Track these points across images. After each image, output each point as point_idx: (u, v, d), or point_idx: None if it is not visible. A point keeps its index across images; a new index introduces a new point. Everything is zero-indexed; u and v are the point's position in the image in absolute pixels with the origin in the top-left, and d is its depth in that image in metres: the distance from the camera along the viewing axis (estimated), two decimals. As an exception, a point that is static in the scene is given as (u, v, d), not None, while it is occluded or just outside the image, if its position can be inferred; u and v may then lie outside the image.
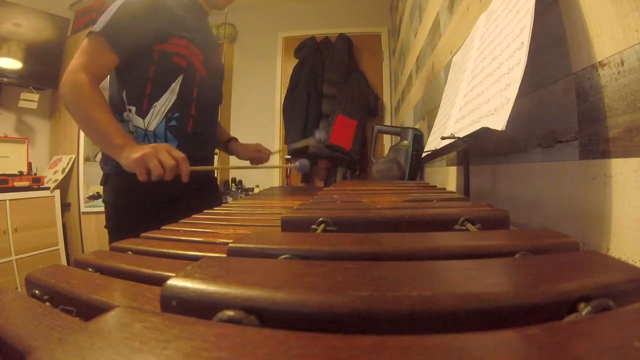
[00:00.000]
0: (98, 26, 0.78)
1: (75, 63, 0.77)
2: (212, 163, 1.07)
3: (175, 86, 0.87)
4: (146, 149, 0.70)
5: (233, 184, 2.84)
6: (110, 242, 0.86)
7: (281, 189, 1.35)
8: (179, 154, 0.73)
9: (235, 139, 1.17)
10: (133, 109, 0.85)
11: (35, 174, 2.36)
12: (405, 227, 0.28)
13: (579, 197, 0.40)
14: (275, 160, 2.76)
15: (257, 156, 1.12)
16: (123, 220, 0.85)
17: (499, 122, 0.43)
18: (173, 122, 0.88)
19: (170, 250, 0.32)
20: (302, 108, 2.52)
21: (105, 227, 0.89)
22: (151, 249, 0.33)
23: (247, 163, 1.14)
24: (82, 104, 0.75)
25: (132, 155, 0.70)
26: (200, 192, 0.94)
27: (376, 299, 0.13)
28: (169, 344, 0.10)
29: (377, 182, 0.88)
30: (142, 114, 0.85)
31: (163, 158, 0.70)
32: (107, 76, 0.83)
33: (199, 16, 0.95)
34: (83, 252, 2.36)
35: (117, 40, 0.78)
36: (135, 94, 0.85)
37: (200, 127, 0.92)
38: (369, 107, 2.63)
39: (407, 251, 0.20)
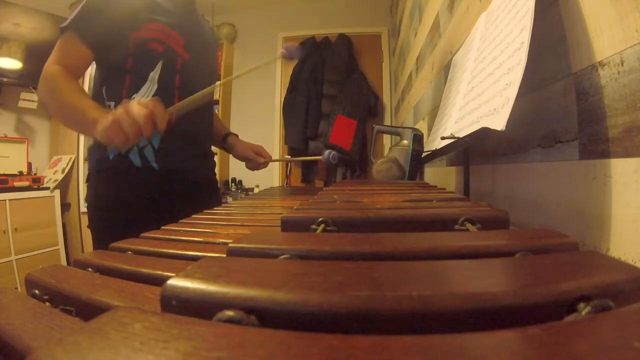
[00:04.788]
0: (67, 21, 0.74)
1: (48, 61, 0.74)
2: (209, 161, 0.99)
3: (155, 75, 0.81)
4: (117, 110, 0.62)
5: (233, 184, 2.84)
6: (94, 245, 0.80)
7: (281, 189, 1.35)
8: (149, 101, 0.63)
9: (235, 135, 1.08)
10: (112, 104, 0.80)
11: (35, 174, 2.36)
12: (405, 227, 0.28)
13: (579, 197, 0.40)
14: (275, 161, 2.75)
15: (256, 159, 1.04)
16: (103, 223, 0.80)
17: (499, 122, 0.43)
18: None
19: (170, 250, 0.32)
20: (302, 108, 2.53)
21: (88, 227, 0.84)
22: (151, 249, 0.33)
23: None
24: (55, 92, 0.71)
25: (104, 122, 0.61)
26: (195, 194, 0.88)
27: (376, 299, 0.13)
28: (168, 344, 0.10)
29: (377, 182, 0.88)
30: None
31: (134, 112, 0.60)
32: (84, 71, 0.79)
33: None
34: (83, 252, 2.37)
35: (87, 33, 0.74)
36: (114, 88, 0.80)
37: (186, 118, 0.81)
38: (369, 107, 2.63)
39: (407, 251, 0.20)
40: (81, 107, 0.68)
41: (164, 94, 0.81)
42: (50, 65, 0.73)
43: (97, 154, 0.81)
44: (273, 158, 1.10)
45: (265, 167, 1.07)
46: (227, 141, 1.06)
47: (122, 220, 0.76)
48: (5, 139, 2.32)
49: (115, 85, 0.81)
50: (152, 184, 0.81)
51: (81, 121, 0.68)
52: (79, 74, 0.77)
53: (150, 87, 0.81)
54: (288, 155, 2.65)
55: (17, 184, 2.15)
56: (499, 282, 0.14)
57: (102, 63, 0.81)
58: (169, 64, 0.83)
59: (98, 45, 0.76)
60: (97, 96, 0.82)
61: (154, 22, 0.80)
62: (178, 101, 0.82)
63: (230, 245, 0.22)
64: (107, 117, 0.62)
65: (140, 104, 0.62)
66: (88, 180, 0.85)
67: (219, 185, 1.11)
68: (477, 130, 0.51)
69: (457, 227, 0.27)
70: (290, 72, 2.73)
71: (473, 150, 0.66)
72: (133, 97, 0.80)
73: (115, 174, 0.80)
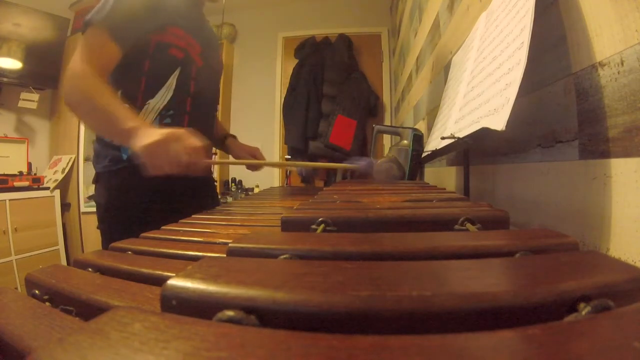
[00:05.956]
0: (96, 16, 0.70)
1: (75, 59, 0.71)
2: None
3: (172, 81, 0.81)
4: (160, 135, 0.60)
5: (233, 184, 2.84)
6: (103, 244, 0.81)
7: (281, 189, 1.35)
8: (195, 144, 0.63)
9: (234, 136, 1.12)
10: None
11: (35, 174, 2.36)
12: (405, 227, 0.28)
13: (579, 197, 0.40)
14: (274, 160, 2.74)
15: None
16: (114, 223, 0.81)
17: (499, 122, 0.43)
18: (167, 120, 0.82)
19: (170, 250, 0.32)
20: (302, 108, 2.53)
21: (98, 228, 0.84)
22: (151, 249, 0.33)
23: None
24: (88, 94, 0.68)
25: (144, 141, 0.60)
26: (197, 195, 0.90)
27: (376, 299, 0.13)
28: (168, 344, 0.10)
29: (377, 182, 0.88)
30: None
31: (189, 143, 0.61)
32: (111, 70, 0.75)
33: (193, 4, 0.88)
34: (83, 252, 2.37)
35: (120, 32, 0.71)
36: (129, 91, 0.79)
37: (196, 124, 0.81)
38: (369, 107, 2.63)
39: (407, 251, 0.20)
40: (117, 113, 0.66)
41: (178, 100, 0.83)
42: (80, 64, 0.69)
43: (110, 154, 0.81)
44: (270, 161, 1.13)
45: (261, 169, 1.10)
46: (225, 143, 1.09)
47: (135, 219, 0.78)
48: (5, 139, 2.32)
49: (130, 88, 0.79)
50: (162, 183, 0.82)
51: (115, 128, 0.66)
52: (106, 73, 0.74)
53: (165, 93, 0.81)
54: (288, 155, 2.65)
55: (17, 184, 2.15)
56: (499, 282, 0.14)
57: (118, 65, 0.78)
58: (186, 71, 0.84)
59: (128, 46, 0.74)
60: None
61: (177, 27, 0.80)
62: (190, 108, 0.86)
63: (230, 245, 0.22)
64: (149, 137, 0.61)
65: (187, 141, 0.62)
66: (97, 180, 0.85)
67: (216, 185, 1.15)
68: (477, 130, 0.51)
69: (457, 227, 0.27)
70: (290, 72, 2.73)
71: (473, 150, 0.66)
72: (148, 102, 0.80)
73: (131, 173, 0.79)
